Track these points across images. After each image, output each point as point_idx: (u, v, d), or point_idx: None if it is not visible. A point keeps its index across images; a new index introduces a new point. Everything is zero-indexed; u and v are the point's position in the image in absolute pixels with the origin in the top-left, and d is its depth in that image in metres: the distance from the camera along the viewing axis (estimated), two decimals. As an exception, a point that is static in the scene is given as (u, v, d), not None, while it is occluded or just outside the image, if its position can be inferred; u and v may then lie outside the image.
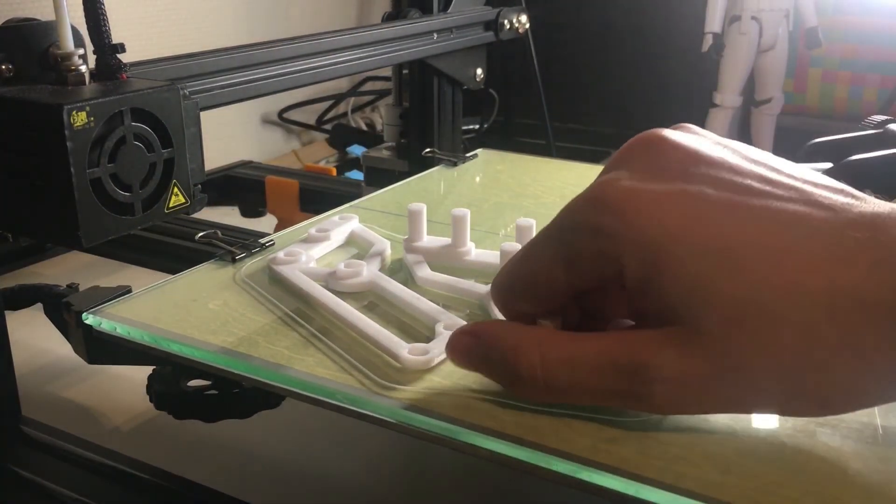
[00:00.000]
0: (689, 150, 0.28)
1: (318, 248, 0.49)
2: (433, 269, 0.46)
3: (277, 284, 0.45)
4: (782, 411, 0.27)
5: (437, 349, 0.37)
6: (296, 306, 0.43)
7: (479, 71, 0.83)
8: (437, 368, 0.36)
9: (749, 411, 0.27)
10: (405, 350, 0.36)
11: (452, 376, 0.36)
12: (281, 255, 0.47)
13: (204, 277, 0.47)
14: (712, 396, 0.27)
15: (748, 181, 0.26)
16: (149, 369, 0.45)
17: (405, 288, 0.43)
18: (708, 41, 1.37)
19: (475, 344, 0.31)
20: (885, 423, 0.32)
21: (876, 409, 0.33)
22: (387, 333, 0.38)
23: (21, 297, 0.57)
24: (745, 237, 0.25)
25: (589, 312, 0.32)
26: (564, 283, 0.29)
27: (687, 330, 0.26)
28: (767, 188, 0.26)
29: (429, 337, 0.39)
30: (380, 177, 0.83)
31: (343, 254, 0.51)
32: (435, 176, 0.67)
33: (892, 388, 0.25)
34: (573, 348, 0.28)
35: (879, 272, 0.24)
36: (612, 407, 0.29)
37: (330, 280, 0.45)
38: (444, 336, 0.38)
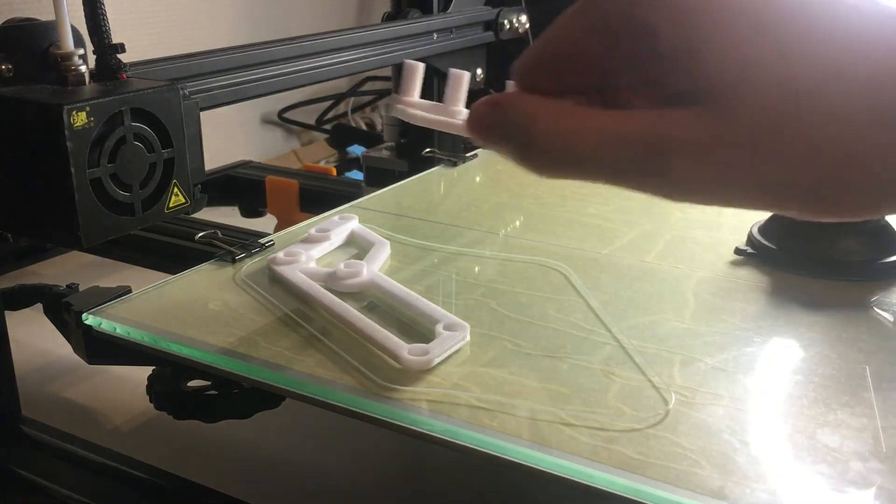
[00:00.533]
0: None
1: (318, 248, 0.49)
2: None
3: (277, 284, 0.45)
4: (806, 205, 0.25)
5: (436, 350, 0.37)
6: (296, 306, 0.43)
7: (479, 71, 0.83)
8: (436, 369, 0.36)
9: (771, 201, 0.25)
10: (405, 350, 0.36)
11: (452, 377, 0.36)
12: (281, 255, 0.47)
13: (204, 277, 0.47)
14: (734, 175, 0.24)
15: None
16: (149, 369, 0.45)
17: (405, 288, 0.43)
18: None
19: (492, 112, 0.28)
20: (885, 423, 0.32)
21: (876, 409, 0.33)
22: (387, 334, 0.38)
23: (21, 297, 0.57)
24: (805, 14, 0.23)
25: (612, 105, 0.30)
26: (594, 56, 0.27)
27: (719, 108, 0.24)
28: None
29: (429, 337, 0.39)
30: (380, 177, 0.83)
31: (343, 254, 0.51)
32: (435, 176, 0.67)
33: None
34: (594, 119, 0.26)
35: None
36: (622, 186, 0.27)
37: (330, 280, 0.45)
38: (444, 336, 0.38)
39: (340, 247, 0.52)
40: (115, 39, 0.42)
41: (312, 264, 0.48)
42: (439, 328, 0.39)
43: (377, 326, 0.39)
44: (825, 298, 0.44)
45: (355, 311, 0.41)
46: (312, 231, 0.51)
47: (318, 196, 0.82)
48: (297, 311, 0.42)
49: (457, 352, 0.38)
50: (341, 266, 0.45)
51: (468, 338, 0.39)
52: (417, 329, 0.40)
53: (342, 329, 0.40)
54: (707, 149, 0.24)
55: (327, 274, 0.45)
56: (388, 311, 0.42)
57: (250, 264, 0.48)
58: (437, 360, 0.36)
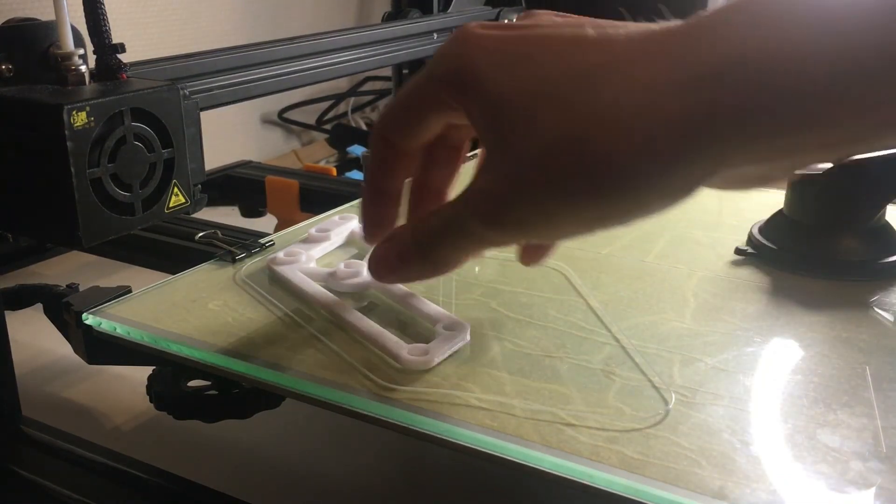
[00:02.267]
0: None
1: (318, 248, 0.49)
2: None
3: (277, 284, 0.45)
4: (583, 225, 0.29)
5: (436, 350, 0.37)
6: (296, 306, 0.43)
7: (479, 71, 0.83)
8: (436, 369, 0.36)
9: (555, 230, 0.29)
10: (405, 350, 0.36)
11: (452, 377, 0.36)
12: (281, 255, 0.47)
13: (204, 277, 0.47)
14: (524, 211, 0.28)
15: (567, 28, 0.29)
16: (149, 369, 0.45)
17: (405, 288, 0.43)
18: (708, 41, 1.37)
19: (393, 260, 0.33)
20: (885, 423, 0.32)
21: (876, 409, 0.33)
22: (387, 334, 0.38)
23: (21, 297, 0.57)
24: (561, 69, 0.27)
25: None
26: (433, 119, 0.32)
27: (497, 151, 0.28)
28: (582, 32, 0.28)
29: (429, 337, 0.39)
30: (380, 177, 0.83)
31: (343, 254, 0.51)
32: (435, 176, 0.67)
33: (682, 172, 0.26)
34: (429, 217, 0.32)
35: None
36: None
37: (330, 280, 0.45)
38: (444, 336, 0.38)
39: (340, 247, 0.52)
40: (115, 39, 0.42)
41: (312, 264, 0.48)
42: (439, 328, 0.39)
43: (377, 326, 0.39)
44: (825, 298, 0.44)
45: (355, 311, 0.41)
46: (312, 231, 0.51)
47: (318, 196, 0.82)
48: (297, 311, 0.42)
49: (457, 352, 0.38)
50: (341, 266, 0.45)
51: (469, 338, 0.39)
52: (417, 329, 0.40)
53: (342, 329, 0.40)
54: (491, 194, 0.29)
55: (327, 274, 0.45)
56: (388, 311, 0.42)
57: (250, 264, 0.48)
58: (437, 360, 0.36)
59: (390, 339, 0.38)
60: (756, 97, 0.24)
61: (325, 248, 0.50)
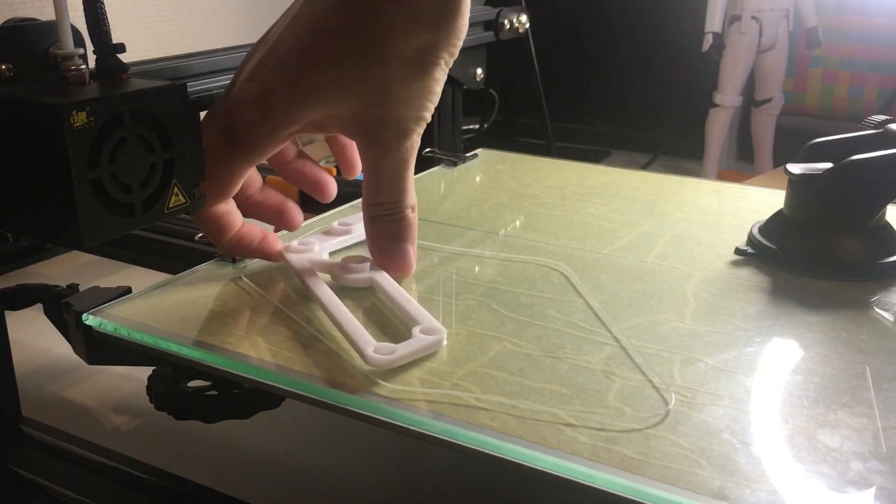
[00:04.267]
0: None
1: (335, 241, 0.50)
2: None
3: (278, 284, 0.46)
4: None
5: (404, 351, 0.36)
6: (296, 306, 0.43)
7: (478, 71, 0.83)
8: (436, 369, 0.36)
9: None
10: (371, 348, 0.36)
11: (452, 377, 0.36)
12: (295, 243, 0.48)
13: (204, 277, 0.47)
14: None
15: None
16: (149, 369, 0.45)
17: (400, 288, 0.43)
18: (708, 41, 1.37)
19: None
20: (885, 423, 0.32)
21: (876, 409, 0.33)
22: (361, 329, 0.38)
23: (21, 297, 0.57)
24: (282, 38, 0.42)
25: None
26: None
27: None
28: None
29: (407, 338, 0.38)
30: (380, 177, 0.83)
31: (361, 249, 0.51)
32: (435, 176, 0.67)
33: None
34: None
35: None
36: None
37: (335, 273, 0.45)
38: (417, 339, 0.38)
39: (360, 243, 0.51)
40: (116, 39, 0.42)
41: (325, 256, 0.48)
42: (416, 331, 0.38)
43: (355, 321, 0.39)
44: (825, 298, 0.44)
45: (340, 304, 0.41)
46: (335, 224, 0.52)
47: (319, 196, 0.82)
48: (298, 311, 0.42)
49: (450, 354, 0.38)
50: (346, 260, 0.45)
51: (445, 343, 0.38)
52: (400, 329, 0.40)
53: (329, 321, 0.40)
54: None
55: (333, 266, 0.45)
56: (379, 309, 0.43)
57: (251, 264, 0.48)
58: (401, 362, 0.36)
59: (362, 335, 0.37)
60: None
61: (343, 242, 0.50)
